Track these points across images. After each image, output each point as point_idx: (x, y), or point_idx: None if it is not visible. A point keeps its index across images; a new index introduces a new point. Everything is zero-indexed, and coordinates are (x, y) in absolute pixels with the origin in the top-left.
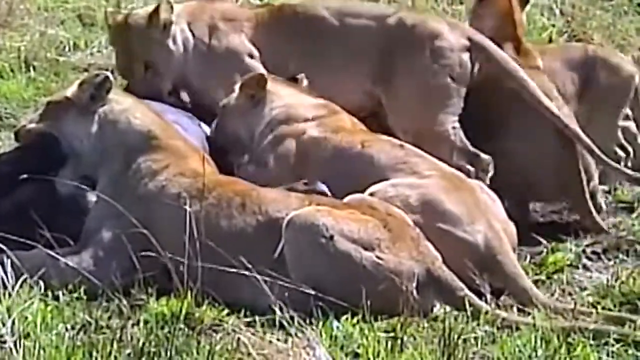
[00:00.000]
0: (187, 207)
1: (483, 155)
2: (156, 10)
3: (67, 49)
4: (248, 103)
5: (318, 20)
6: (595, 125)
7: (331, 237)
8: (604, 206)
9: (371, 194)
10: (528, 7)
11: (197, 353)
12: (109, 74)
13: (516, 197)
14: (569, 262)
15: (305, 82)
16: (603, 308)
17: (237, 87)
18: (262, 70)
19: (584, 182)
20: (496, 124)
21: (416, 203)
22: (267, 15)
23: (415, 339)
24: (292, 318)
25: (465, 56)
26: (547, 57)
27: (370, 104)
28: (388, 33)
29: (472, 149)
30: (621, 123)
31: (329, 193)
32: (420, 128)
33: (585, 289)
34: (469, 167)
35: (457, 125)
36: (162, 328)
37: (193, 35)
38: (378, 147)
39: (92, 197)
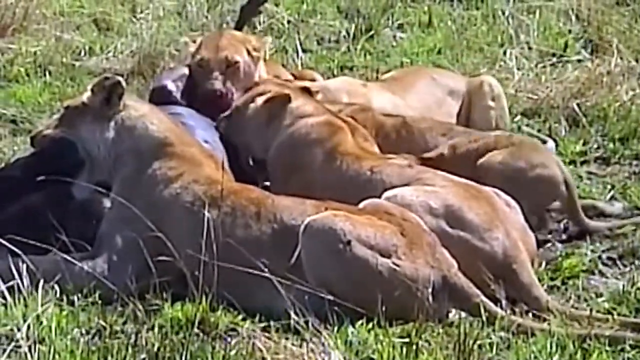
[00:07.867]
0: (203, 212)
1: None
2: None
3: (82, 53)
4: (266, 117)
5: None
6: None
7: (348, 243)
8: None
9: (391, 197)
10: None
11: (212, 358)
12: (120, 78)
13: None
14: (584, 268)
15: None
16: (619, 314)
17: (260, 100)
18: None
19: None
20: None
21: (436, 207)
22: None
23: (430, 344)
24: (307, 323)
25: None
26: None
27: None
28: None
29: None
30: None
31: None
32: None
33: (601, 295)
34: None
35: None
36: (177, 333)
37: None
38: (388, 171)
39: (107, 202)
